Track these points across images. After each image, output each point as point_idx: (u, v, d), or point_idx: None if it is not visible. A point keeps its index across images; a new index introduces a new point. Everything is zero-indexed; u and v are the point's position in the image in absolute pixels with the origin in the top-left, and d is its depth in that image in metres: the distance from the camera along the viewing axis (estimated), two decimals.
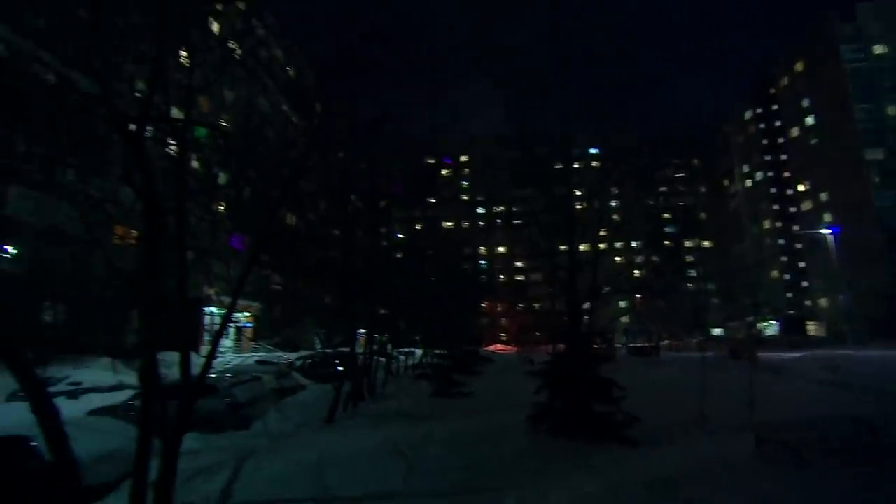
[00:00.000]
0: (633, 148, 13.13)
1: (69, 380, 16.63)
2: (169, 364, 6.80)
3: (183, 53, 6.25)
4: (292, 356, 26.26)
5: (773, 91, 74.76)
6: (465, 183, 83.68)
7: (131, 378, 17.56)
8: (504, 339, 65.19)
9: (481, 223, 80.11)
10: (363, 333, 18.59)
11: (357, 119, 10.14)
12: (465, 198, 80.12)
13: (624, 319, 43.80)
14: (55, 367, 15.44)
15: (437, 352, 22.10)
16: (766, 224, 74.83)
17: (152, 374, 5.65)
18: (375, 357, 18.50)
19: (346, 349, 15.25)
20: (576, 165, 12.90)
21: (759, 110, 76.65)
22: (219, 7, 6.87)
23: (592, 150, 14.33)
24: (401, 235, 21.37)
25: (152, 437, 5.62)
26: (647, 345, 37.47)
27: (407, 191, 16.98)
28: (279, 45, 12.25)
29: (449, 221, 66.92)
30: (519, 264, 77.79)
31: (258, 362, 22.57)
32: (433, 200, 23.40)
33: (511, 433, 9.08)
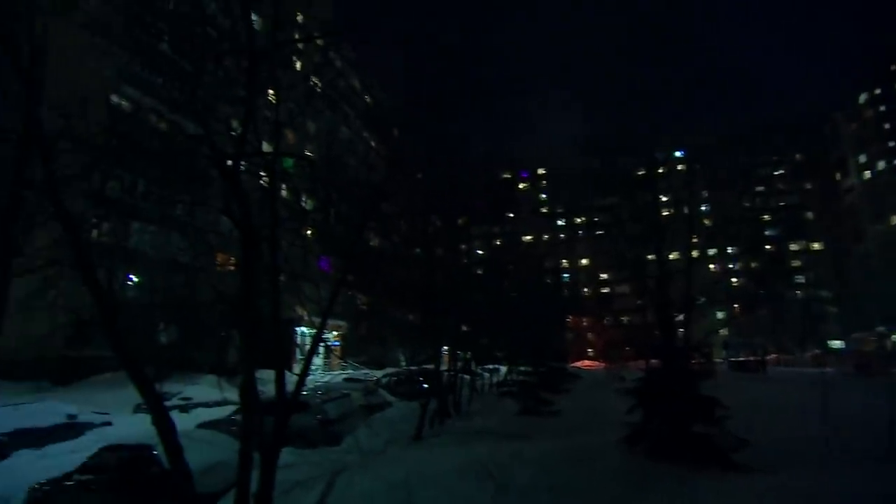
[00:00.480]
0: (724, 146, 12.22)
1: (181, 395, 18.27)
2: (265, 381, 7.24)
3: (270, 91, 6.78)
4: (378, 374, 26.97)
5: (895, 68, 66.05)
6: (543, 196, 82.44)
7: (233, 394, 18.92)
8: (591, 354, 62.64)
9: (562, 235, 78.23)
10: (447, 351, 18.70)
11: (435, 140, 10.37)
12: (544, 210, 78.81)
13: (723, 332, 40.35)
14: (170, 383, 17.04)
15: (522, 368, 21.67)
16: (895, 220, 65.82)
17: (251, 391, 6.05)
18: (460, 374, 18.49)
19: (431, 366, 15.43)
20: (661, 170, 12.24)
21: (878, 91, 68.01)
22: (300, 46, 7.38)
23: (678, 153, 13.51)
24: (480, 252, 21.37)
25: (252, 450, 5.99)
26: (751, 359, 34.15)
27: (485, 207, 17.02)
28: (356, 75, 12.92)
29: (528, 235, 66.14)
30: (604, 276, 74.74)
31: (346, 380, 23.43)
32: (511, 215, 23.21)
33: (604, 454, 8.61)
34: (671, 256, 11.06)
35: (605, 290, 72.86)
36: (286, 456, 8.48)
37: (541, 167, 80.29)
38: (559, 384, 23.03)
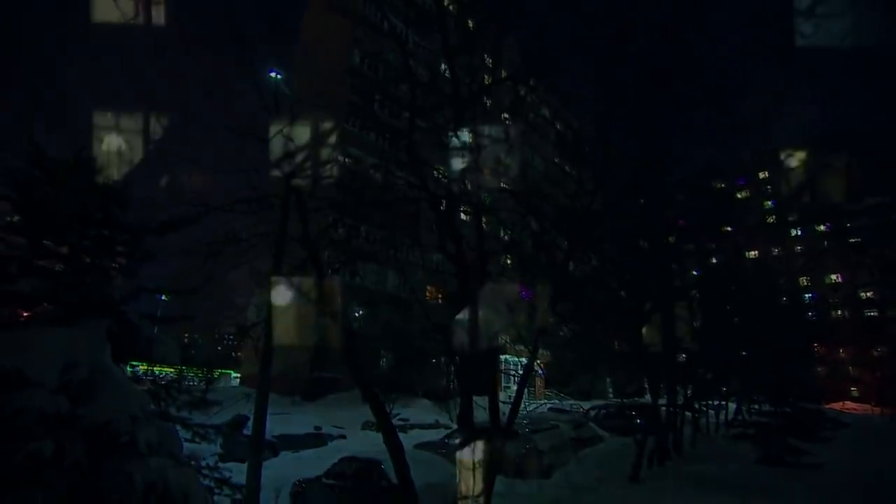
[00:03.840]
0: None
1: (399, 416, 20.12)
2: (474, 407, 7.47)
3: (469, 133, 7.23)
4: (585, 405, 25.88)
5: None
6: (769, 203, 69.88)
7: (444, 417, 20.19)
8: (855, 394, 49.99)
9: (798, 248, 65.32)
10: (663, 383, 16.96)
11: (637, 158, 9.73)
12: (770, 220, 66.89)
13: None
14: (389, 405, 18.94)
15: (757, 407, 18.39)
16: None
17: (468, 418, 6.31)
18: (681, 410, 16.60)
19: (642, 399, 14.12)
20: None
21: None
22: (495, 87, 7.76)
23: None
24: (693, 272, 19.06)
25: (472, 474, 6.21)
26: None
27: (694, 223, 15.20)
28: (547, 105, 12.97)
29: (753, 250, 56.98)
30: (867, 294, 59.49)
31: (551, 409, 22.95)
32: (729, 229, 20.26)
33: None
34: None
35: (870, 313, 57.81)
36: (497, 484, 8.55)
37: (761, 171, 68.77)
38: (815, 430, 18.83)
